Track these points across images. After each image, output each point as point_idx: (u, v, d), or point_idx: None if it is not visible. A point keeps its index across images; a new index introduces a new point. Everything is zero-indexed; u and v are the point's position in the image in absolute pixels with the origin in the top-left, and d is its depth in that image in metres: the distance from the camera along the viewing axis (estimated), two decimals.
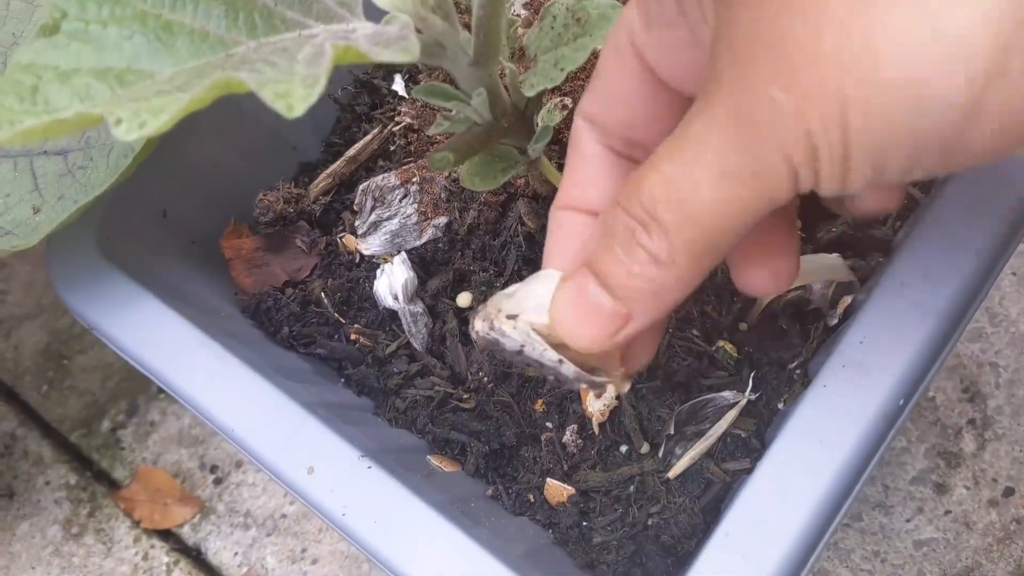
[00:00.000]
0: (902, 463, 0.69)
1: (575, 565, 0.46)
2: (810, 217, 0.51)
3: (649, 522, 0.47)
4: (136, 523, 0.77)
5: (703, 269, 0.30)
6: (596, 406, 0.48)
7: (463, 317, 0.53)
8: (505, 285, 0.52)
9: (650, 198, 0.29)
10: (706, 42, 0.30)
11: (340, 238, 0.55)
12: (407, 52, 0.34)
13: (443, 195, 0.53)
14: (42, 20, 0.34)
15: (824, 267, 0.48)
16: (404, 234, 0.53)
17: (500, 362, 0.51)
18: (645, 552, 0.46)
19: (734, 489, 0.46)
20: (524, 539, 0.46)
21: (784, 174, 0.26)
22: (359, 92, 0.60)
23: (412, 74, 0.59)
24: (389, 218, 0.54)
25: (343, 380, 0.53)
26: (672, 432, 0.47)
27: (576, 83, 0.50)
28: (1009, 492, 0.67)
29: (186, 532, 0.77)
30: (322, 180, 0.56)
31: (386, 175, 0.54)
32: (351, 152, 0.57)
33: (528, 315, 0.34)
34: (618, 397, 0.48)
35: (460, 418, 0.50)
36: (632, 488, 0.48)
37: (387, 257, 0.54)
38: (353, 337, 0.53)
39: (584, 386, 0.35)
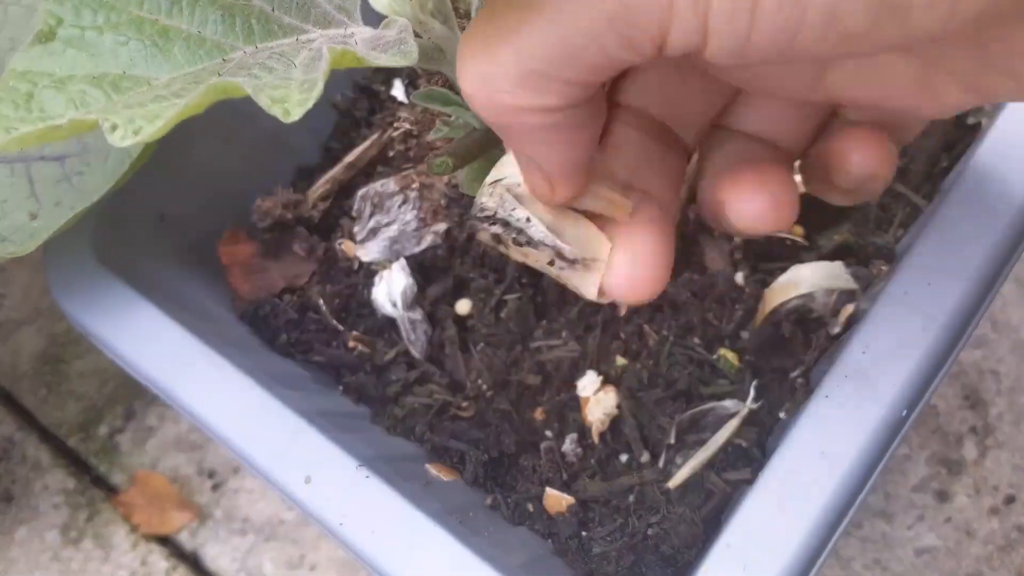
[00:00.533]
0: (903, 470, 0.68)
1: (574, 575, 0.46)
2: (813, 225, 0.51)
3: (649, 532, 0.46)
4: (134, 528, 0.77)
5: (537, 101, 0.25)
6: (597, 415, 0.48)
7: (462, 324, 0.53)
8: (504, 293, 0.52)
9: (491, 14, 0.25)
10: None
11: (339, 244, 0.55)
12: (405, 56, 0.33)
13: (443, 201, 0.53)
14: (38, 27, 0.34)
15: (827, 275, 0.47)
16: (403, 240, 0.53)
17: (499, 370, 0.50)
18: (645, 563, 0.46)
19: (735, 500, 0.46)
20: (523, 549, 0.46)
21: (656, 5, 0.22)
22: (358, 97, 0.60)
23: (412, 79, 0.59)
24: (388, 224, 0.53)
25: (341, 387, 0.52)
26: (673, 441, 0.47)
27: None
28: (1010, 500, 0.66)
29: (184, 538, 0.76)
30: (321, 186, 0.56)
31: (385, 181, 0.54)
32: (350, 158, 0.56)
33: (510, 179, 0.32)
34: (618, 405, 0.48)
35: (459, 426, 0.50)
36: (632, 498, 0.47)
37: (386, 264, 0.53)
38: (351, 344, 0.52)
39: (552, 253, 0.31)
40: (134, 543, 0.77)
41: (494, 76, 0.25)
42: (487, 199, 0.31)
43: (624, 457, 0.48)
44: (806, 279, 0.48)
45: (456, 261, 0.53)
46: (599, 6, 0.22)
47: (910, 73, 0.26)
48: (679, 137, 0.33)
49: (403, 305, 0.52)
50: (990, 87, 0.25)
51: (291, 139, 0.58)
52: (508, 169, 0.32)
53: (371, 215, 0.54)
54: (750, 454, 0.47)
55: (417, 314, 0.52)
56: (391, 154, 0.56)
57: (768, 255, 0.50)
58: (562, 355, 0.50)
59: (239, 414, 0.45)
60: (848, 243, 0.49)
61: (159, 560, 0.76)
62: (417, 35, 0.38)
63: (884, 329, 0.41)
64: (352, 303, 0.54)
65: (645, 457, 0.48)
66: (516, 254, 0.32)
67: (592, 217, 0.31)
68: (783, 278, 0.48)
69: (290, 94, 0.30)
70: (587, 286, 0.31)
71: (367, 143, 0.57)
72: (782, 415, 0.47)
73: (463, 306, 0.53)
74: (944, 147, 0.50)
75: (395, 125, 0.56)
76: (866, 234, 0.49)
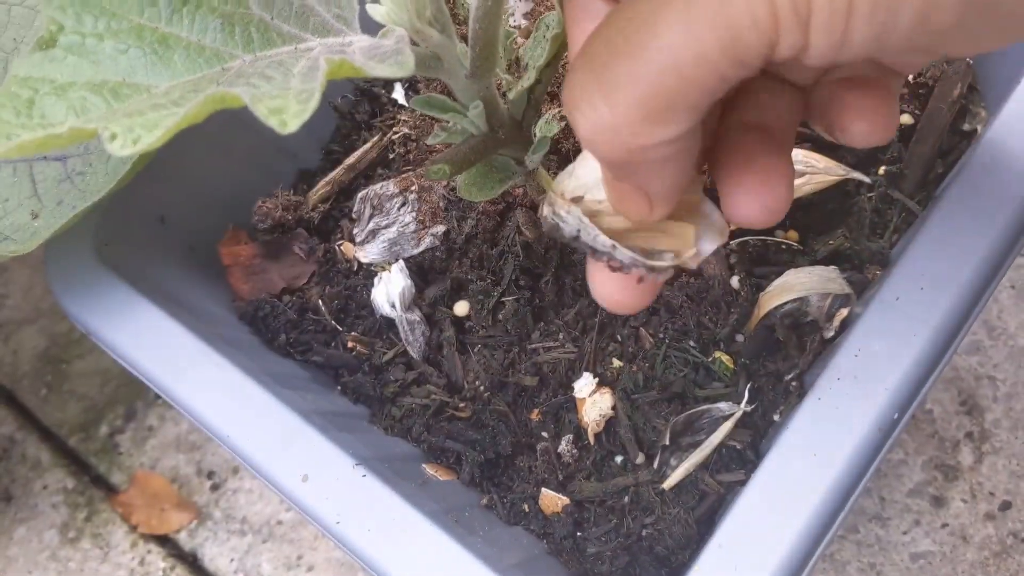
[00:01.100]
0: (899, 475, 0.69)
1: (569, 575, 0.46)
2: (808, 230, 0.51)
3: (643, 533, 0.47)
4: (133, 528, 0.77)
5: (662, 136, 0.26)
6: (592, 416, 0.48)
7: (460, 326, 0.53)
8: (502, 295, 0.52)
9: (608, 45, 0.25)
10: None
11: (338, 246, 0.55)
12: (402, 67, 0.34)
13: (441, 204, 0.53)
14: (39, 33, 0.34)
15: (821, 280, 0.48)
16: (402, 242, 0.54)
17: (496, 371, 0.51)
18: (639, 563, 0.46)
19: (728, 501, 0.46)
20: (518, 549, 0.46)
21: (763, 24, 0.23)
22: (359, 100, 0.60)
23: (412, 83, 0.59)
24: (387, 226, 0.54)
25: (339, 388, 0.53)
26: (667, 443, 0.47)
27: None
28: (1006, 506, 0.67)
29: (183, 538, 0.77)
30: (321, 188, 0.57)
31: (385, 183, 0.54)
32: (350, 160, 0.57)
33: (592, 193, 0.33)
34: (614, 407, 0.48)
35: (456, 427, 0.50)
36: (627, 499, 0.47)
37: (385, 265, 0.54)
38: (350, 345, 0.53)
39: (643, 271, 0.32)
40: (133, 543, 0.77)
41: (616, 123, 0.25)
42: (568, 217, 0.32)
43: (619, 458, 0.48)
44: (801, 283, 0.48)
45: (454, 263, 0.53)
46: (708, 36, 0.23)
47: None
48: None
49: (401, 306, 0.52)
50: None
51: (292, 142, 0.58)
52: (586, 180, 0.33)
53: (370, 217, 0.54)
54: (744, 456, 0.47)
55: (415, 315, 0.53)
56: (391, 157, 0.57)
57: (763, 259, 0.51)
58: (559, 357, 0.51)
59: (237, 413, 0.45)
60: (843, 248, 0.50)
61: (157, 560, 0.76)
62: (415, 43, 0.38)
63: (876, 333, 0.41)
64: (351, 304, 0.54)
65: (640, 458, 0.48)
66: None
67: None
68: (778, 282, 0.49)
69: (287, 104, 0.30)
70: (688, 262, 0.33)
71: (367, 146, 0.57)
72: (776, 418, 0.48)
73: (461, 308, 0.53)
74: (940, 154, 0.50)
75: (395, 128, 0.56)
76: (861, 239, 0.50)
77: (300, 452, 0.44)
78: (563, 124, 0.47)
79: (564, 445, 0.49)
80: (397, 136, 0.56)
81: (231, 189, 0.57)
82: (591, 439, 0.48)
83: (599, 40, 0.26)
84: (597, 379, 0.49)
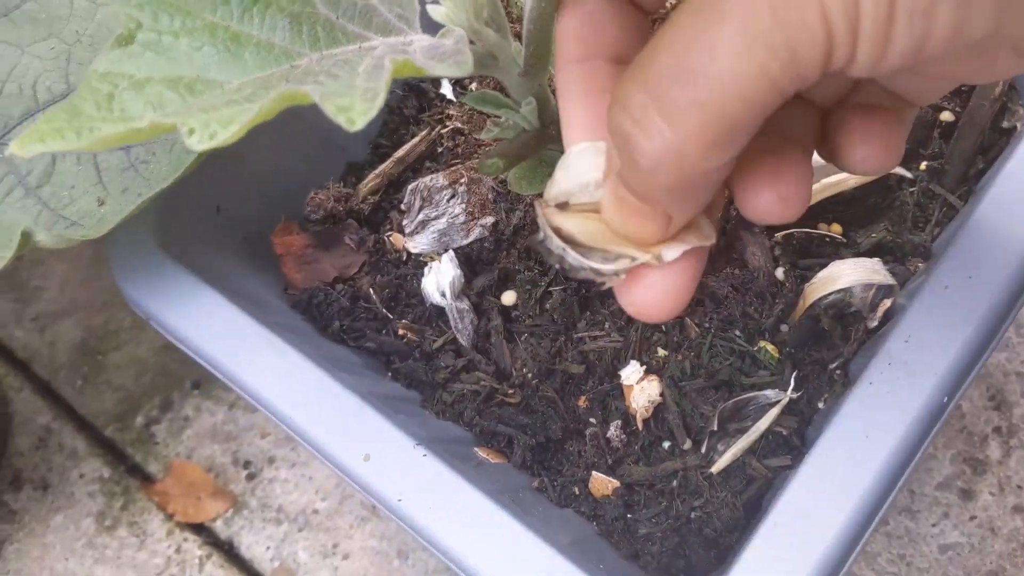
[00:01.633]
0: (928, 469, 0.70)
1: (620, 556, 0.47)
2: (851, 223, 0.52)
3: (692, 515, 0.48)
4: (169, 516, 0.79)
5: (720, 161, 0.26)
6: (641, 402, 0.49)
7: (507, 315, 0.54)
8: (549, 285, 0.54)
9: (658, 73, 0.25)
10: None
11: (388, 236, 0.57)
12: (461, 66, 0.35)
13: (490, 196, 0.55)
14: (118, 31, 0.36)
15: (865, 271, 0.49)
16: (451, 233, 0.55)
17: (543, 359, 0.52)
18: (688, 544, 0.47)
19: (776, 484, 0.47)
20: (570, 530, 0.47)
21: (819, 38, 0.23)
22: (406, 95, 0.61)
23: (460, 79, 0.60)
24: (437, 217, 0.55)
25: (390, 373, 0.54)
26: (715, 429, 0.49)
27: None
28: None
29: (219, 526, 0.78)
30: (371, 180, 0.58)
31: (434, 176, 0.55)
32: (400, 153, 0.58)
33: (576, 197, 0.32)
34: (661, 394, 0.50)
35: (506, 412, 0.51)
36: (675, 483, 0.49)
37: (434, 255, 0.55)
38: (401, 332, 0.54)
39: (590, 275, 0.31)
40: (169, 531, 0.78)
41: (683, 147, 0.25)
42: (546, 238, 0.32)
43: (667, 444, 0.50)
44: (845, 274, 0.49)
45: (502, 254, 0.55)
46: (768, 58, 0.23)
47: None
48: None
49: (452, 295, 0.53)
50: None
51: (341, 136, 0.59)
52: (562, 187, 0.32)
53: (420, 208, 0.55)
54: (790, 442, 0.48)
55: (464, 304, 0.54)
56: (439, 150, 0.58)
57: (807, 252, 0.52)
58: (605, 345, 0.52)
59: (300, 395, 0.46)
60: (885, 241, 0.51)
61: (193, 548, 0.77)
62: (472, 42, 0.39)
63: (925, 320, 0.43)
64: (401, 293, 0.55)
65: (688, 444, 0.49)
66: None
67: None
68: (822, 273, 0.50)
69: (354, 103, 0.31)
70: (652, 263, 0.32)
71: (416, 139, 0.59)
72: (821, 405, 0.49)
73: (508, 297, 0.54)
74: (980, 150, 0.52)
75: (444, 123, 0.58)
76: (903, 232, 0.51)
77: (362, 433, 0.45)
78: None
79: (613, 430, 0.50)
80: (446, 130, 0.57)
81: (282, 181, 0.58)
82: (639, 425, 0.50)
83: (654, 61, 0.26)
84: (644, 367, 0.51)
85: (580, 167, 0.32)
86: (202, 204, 0.55)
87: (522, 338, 0.53)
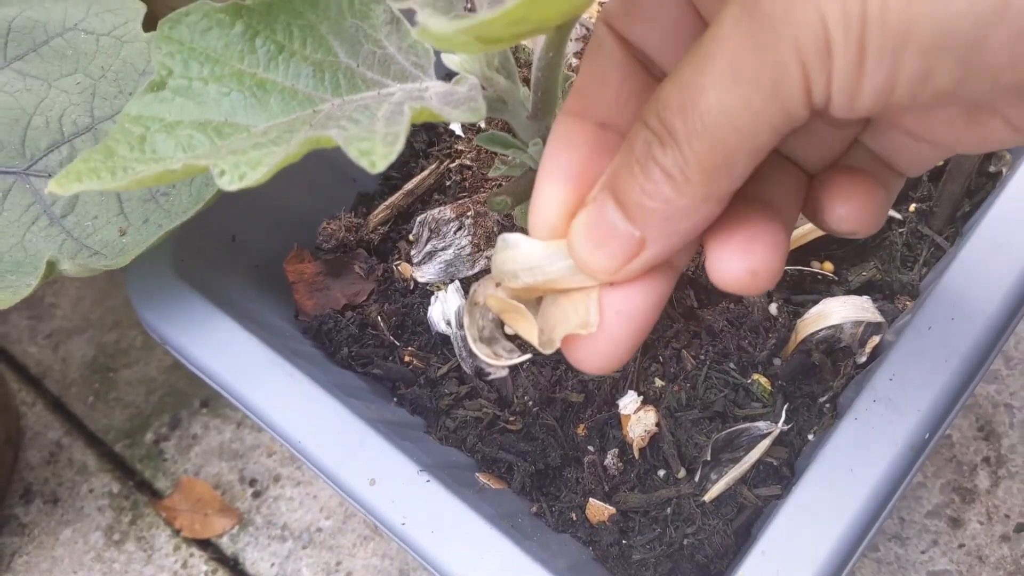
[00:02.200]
0: (918, 497, 0.71)
1: None
2: (842, 261, 0.54)
3: (685, 542, 0.50)
4: (176, 532, 0.80)
5: (718, 192, 0.28)
6: (637, 431, 0.51)
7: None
8: None
9: (665, 106, 0.27)
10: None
11: (396, 265, 0.59)
12: (475, 113, 0.37)
13: (495, 229, 0.57)
14: (142, 69, 0.38)
15: (855, 309, 0.51)
16: (458, 264, 0.57)
17: (544, 387, 0.54)
18: (681, 570, 0.49)
19: (765, 513, 0.49)
20: (567, 554, 0.49)
21: (797, 77, 0.25)
22: (417, 130, 0.64)
23: None
24: (444, 248, 0.57)
25: (396, 399, 0.56)
26: (709, 458, 0.50)
27: None
28: (1021, 528, 0.69)
29: (225, 542, 0.80)
30: (381, 211, 0.60)
31: (442, 208, 0.57)
32: (409, 185, 0.60)
33: (508, 281, 0.34)
34: (658, 424, 0.52)
35: (508, 439, 0.53)
36: (669, 510, 0.51)
37: (441, 285, 0.57)
38: (407, 359, 0.56)
39: (485, 363, 0.34)
40: (176, 546, 0.80)
41: (688, 173, 0.28)
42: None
43: (662, 472, 0.52)
44: (836, 311, 0.51)
45: None
46: (753, 93, 0.25)
47: (961, 109, 0.28)
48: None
49: (456, 324, 0.55)
50: None
51: (353, 168, 0.62)
52: (512, 266, 0.34)
53: (428, 239, 0.57)
54: (780, 472, 0.50)
55: None
56: (447, 183, 0.60)
57: (800, 288, 0.54)
58: (604, 376, 0.54)
59: (308, 420, 0.48)
60: (875, 279, 0.53)
61: (200, 563, 0.79)
62: (483, 88, 0.41)
63: (910, 360, 0.45)
64: (408, 321, 0.57)
65: (682, 472, 0.51)
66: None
67: None
68: (814, 310, 0.52)
69: (375, 147, 0.33)
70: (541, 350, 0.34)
71: (425, 172, 0.61)
72: (810, 437, 0.51)
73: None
74: (967, 194, 0.54)
75: (453, 157, 0.60)
76: (892, 271, 0.53)
77: (367, 458, 0.47)
78: None
79: (610, 458, 0.52)
80: (454, 165, 0.59)
81: (295, 211, 0.60)
82: (636, 453, 0.52)
83: (663, 93, 0.28)
84: (641, 397, 0.53)
85: (522, 253, 0.33)
86: (218, 232, 0.57)
87: (523, 366, 0.55)
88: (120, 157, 0.36)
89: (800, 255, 0.54)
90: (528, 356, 0.51)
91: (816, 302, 0.52)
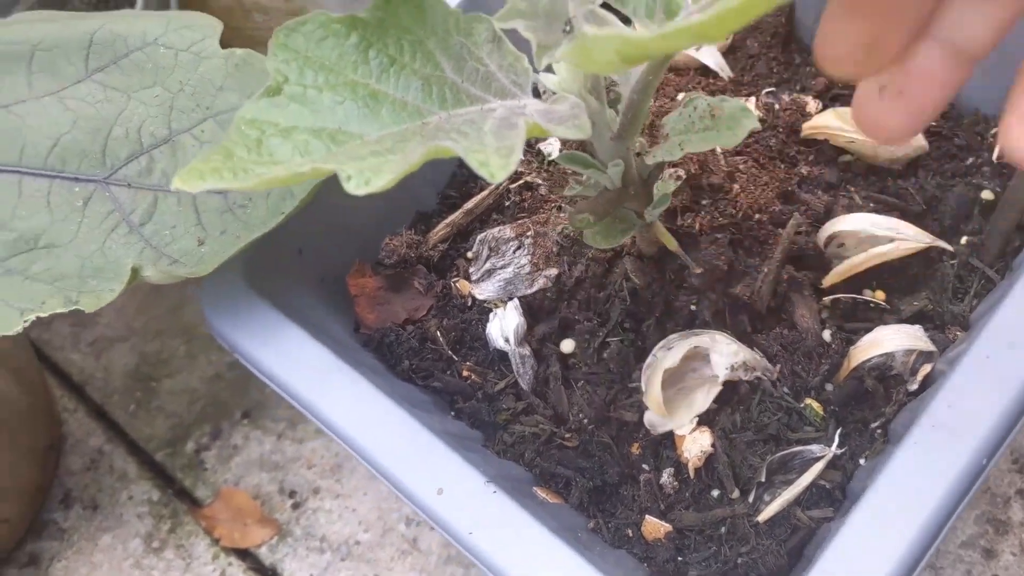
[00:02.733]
0: (953, 527, 0.72)
1: None
2: (895, 291, 0.56)
3: (739, 561, 0.51)
4: (215, 541, 0.81)
5: None
6: (693, 452, 0.53)
7: (565, 362, 0.58)
8: (607, 336, 0.57)
9: None
10: None
11: (454, 282, 0.60)
12: (580, 130, 0.39)
13: (554, 249, 0.58)
14: (267, 82, 0.40)
15: (908, 337, 0.52)
16: (516, 282, 0.58)
17: (599, 405, 0.55)
18: None
19: (819, 534, 0.50)
20: (624, 570, 0.50)
21: None
22: None
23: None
24: (503, 267, 0.59)
25: (454, 412, 0.57)
26: (763, 480, 0.52)
27: (687, 157, 0.56)
28: None
29: (264, 552, 0.81)
30: (441, 229, 0.62)
31: (502, 227, 0.59)
32: (469, 205, 0.62)
33: None
34: (713, 445, 0.53)
35: (565, 455, 0.54)
36: (724, 529, 0.52)
37: (499, 302, 0.58)
38: (465, 373, 0.57)
39: None
40: (215, 555, 0.81)
41: None
42: None
43: (716, 492, 0.53)
44: (888, 339, 0.52)
45: (563, 304, 0.58)
46: None
47: None
48: None
49: (514, 341, 0.57)
50: None
51: (413, 187, 0.63)
52: None
53: (488, 258, 0.59)
54: (832, 495, 0.51)
55: (526, 350, 0.57)
56: (506, 203, 0.62)
57: (853, 316, 0.55)
58: None
59: (378, 429, 0.50)
60: (926, 309, 0.54)
61: (238, 572, 0.80)
62: None
63: (969, 386, 0.46)
64: (466, 336, 0.59)
65: (736, 493, 0.52)
66: None
67: None
68: (867, 337, 0.53)
69: (490, 158, 0.35)
70: None
71: (485, 192, 0.62)
72: (862, 461, 0.52)
73: (567, 345, 0.58)
74: (1017, 228, 0.55)
75: (512, 178, 0.62)
76: (943, 302, 0.54)
77: (435, 467, 0.49)
78: (679, 183, 0.52)
79: (665, 477, 0.53)
80: (514, 185, 0.61)
81: (357, 227, 0.62)
82: (691, 473, 0.53)
83: None
84: (696, 418, 0.54)
85: None
86: (286, 245, 0.58)
87: (579, 384, 0.57)
88: (239, 159, 0.38)
89: (853, 283, 0.56)
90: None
91: (869, 330, 0.54)
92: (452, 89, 0.41)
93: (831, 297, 0.55)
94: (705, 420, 0.54)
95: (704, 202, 0.58)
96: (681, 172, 0.55)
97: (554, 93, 0.43)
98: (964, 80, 0.31)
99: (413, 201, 0.65)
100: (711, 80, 0.65)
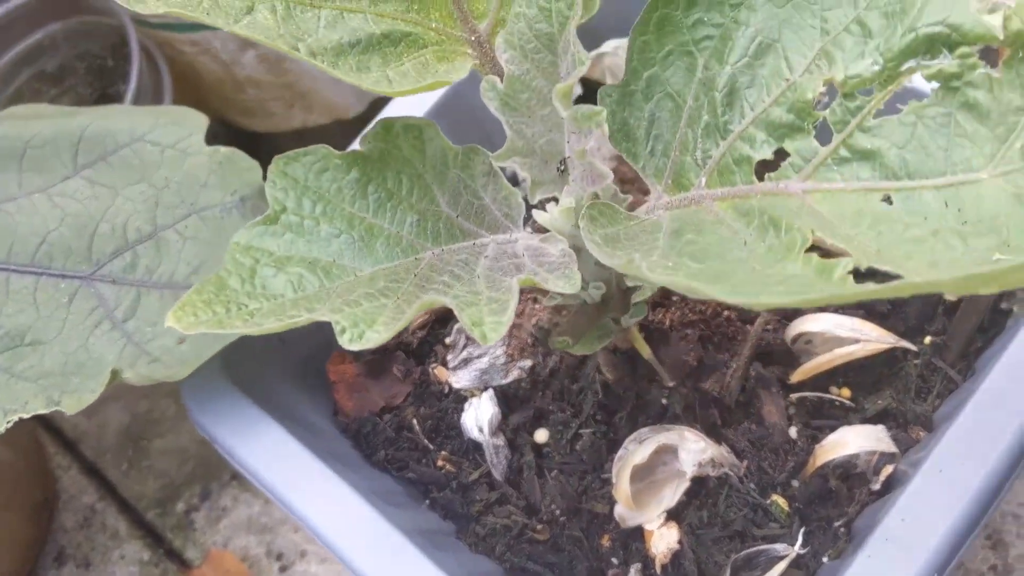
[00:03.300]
0: None
1: None
2: (859, 389, 0.57)
3: None
4: None
5: None
6: (660, 548, 0.54)
7: (539, 452, 0.59)
8: (580, 427, 0.58)
9: None
10: None
11: (432, 369, 0.62)
12: (570, 284, 0.40)
13: (529, 340, 0.60)
14: (266, 212, 0.41)
15: (870, 439, 0.53)
16: (492, 372, 0.60)
17: (571, 496, 0.56)
18: None
19: None
20: None
21: None
22: None
23: None
24: (480, 357, 0.60)
25: (428, 502, 0.59)
26: None
27: None
28: None
29: None
30: (421, 315, 0.63)
31: None
32: None
33: None
34: (679, 541, 0.54)
35: (536, 549, 0.56)
36: None
37: (475, 391, 0.60)
38: (440, 463, 0.59)
39: None
40: None
41: None
42: None
43: None
44: (852, 440, 0.54)
45: (537, 394, 0.59)
46: None
47: None
48: None
49: (489, 432, 0.58)
50: None
51: None
52: None
53: (464, 346, 0.60)
54: None
55: (500, 440, 0.58)
56: None
57: (819, 412, 0.57)
58: None
59: (350, 529, 0.51)
60: (890, 408, 0.56)
61: None
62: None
63: (920, 501, 0.47)
64: (442, 424, 0.60)
65: None
66: None
67: None
68: (832, 437, 0.54)
69: (483, 316, 0.36)
70: None
71: None
72: (825, 560, 0.53)
73: (541, 435, 0.59)
74: (980, 329, 0.56)
75: None
76: (907, 401, 0.55)
77: (405, 569, 0.50)
78: (653, 291, 0.53)
79: (633, 573, 0.54)
80: None
81: None
82: (658, 570, 0.54)
83: None
84: (665, 513, 0.55)
85: None
86: (269, 336, 0.60)
87: (552, 474, 0.58)
88: (232, 290, 0.39)
89: (820, 380, 0.57)
90: None
91: (834, 428, 0.55)
92: (446, 223, 0.43)
93: (798, 395, 0.57)
94: (673, 514, 0.55)
95: (675, 298, 0.59)
96: None
97: (545, 231, 0.44)
98: None
99: None
100: None
